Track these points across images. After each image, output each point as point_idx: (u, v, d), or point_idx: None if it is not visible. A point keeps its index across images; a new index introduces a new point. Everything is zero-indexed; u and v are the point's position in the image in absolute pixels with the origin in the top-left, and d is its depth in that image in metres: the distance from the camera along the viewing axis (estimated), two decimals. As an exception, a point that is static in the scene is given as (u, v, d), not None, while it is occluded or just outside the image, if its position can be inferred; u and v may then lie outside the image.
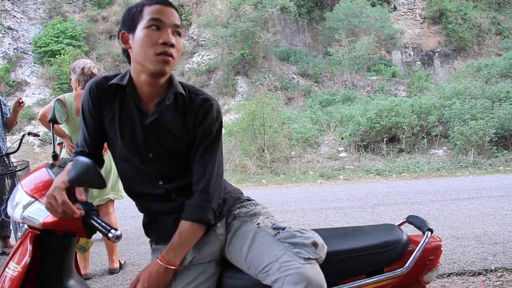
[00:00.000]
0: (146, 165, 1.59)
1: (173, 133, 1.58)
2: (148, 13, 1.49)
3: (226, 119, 17.27)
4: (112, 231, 1.36)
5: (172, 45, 1.48)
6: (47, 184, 1.46)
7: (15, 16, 22.44)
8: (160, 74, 1.49)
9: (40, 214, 1.46)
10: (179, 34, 1.54)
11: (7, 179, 4.57)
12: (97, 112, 1.61)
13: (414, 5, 25.94)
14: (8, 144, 5.14)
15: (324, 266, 1.47)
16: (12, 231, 4.85)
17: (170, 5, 1.52)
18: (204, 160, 1.58)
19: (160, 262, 1.49)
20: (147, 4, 1.51)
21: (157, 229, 1.67)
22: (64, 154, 3.92)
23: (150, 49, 1.47)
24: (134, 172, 1.62)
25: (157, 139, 1.57)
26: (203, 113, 1.59)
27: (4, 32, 21.84)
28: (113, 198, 3.86)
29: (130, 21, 1.53)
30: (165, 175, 1.61)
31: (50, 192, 1.38)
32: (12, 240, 4.90)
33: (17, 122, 5.32)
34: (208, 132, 1.59)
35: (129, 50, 1.54)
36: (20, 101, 4.78)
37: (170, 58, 1.48)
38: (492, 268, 3.58)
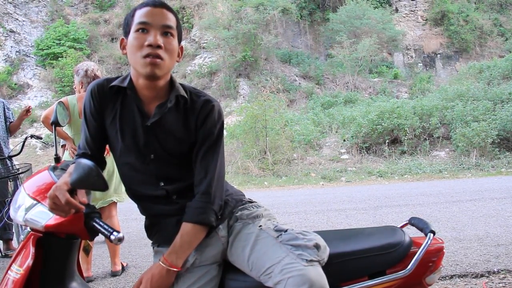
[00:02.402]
0: (147, 166, 1.60)
1: (174, 134, 1.58)
2: (137, 16, 1.50)
3: (228, 121, 17.27)
4: (114, 233, 1.36)
5: (159, 46, 1.47)
6: (49, 187, 1.46)
7: (17, 19, 22.51)
8: (151, 77, 1.49)
9: (43, 216, 1.46)
10: (171, 35, 1.53)
11: (10, 181, 4.58)
12: (98, 114, 1.62)
13: (416, 7, 25.94)
14: (11, 147, 5.16)
15: (326, 268, 1.47)
16: (14, 234, 4.86)
17: (161, 5, 1.52)
18: (206, 161, 1.59)
19: (162, 264, 1.49)
20: (139, 7, 1.53)
21: (159, 231, 1.68)
22: (66, 156, 3.92)
23: (138, 52, 1.48)
24: (135, 173, 1.63)
25: (158, 140, 1.58)
26: (204, 115, 1.59)
27: (6, 35, 21.90)
28: (116, 201, 3.86)
29: (126, 27, 1.56)
30: (166, 176, 1.62)
31: (52, 193, 1.38)
32: (14, 243, 4.91)
33: (19, 127, 5.34)
34: (209, 133, 1.59)
35: (126, 55, 1.55)
36: (29, 110, 4.80)
37: (158, 60, 1.47)
38: (495, 270, 3.57)
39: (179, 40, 1.59)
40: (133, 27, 1.50)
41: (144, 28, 1.48)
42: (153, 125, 1.56)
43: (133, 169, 1.62)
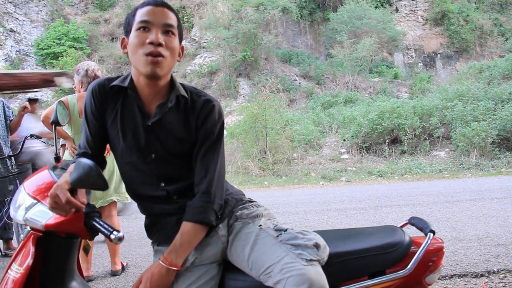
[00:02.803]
0: (148, 166, 1.60)
1: (175, 134, 1.59)
2: (138, 15, 1.51)
3: (228, 121, 17.27)
4: (114, 232, 1.36)
5: (161, 44, 1.47)
6: (49, 186, 1.46)
7: (17, 19, 22.51)
8: (152, 76, 1.49)
9: (43, 216, 1.46)
10: (172, 33, 1.53)
11: (10, 181, 4.58)
12: (99, 113, 1.62)
13: (416, 7, 25.92)
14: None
15: (326, 267, 1.47)
16: (14, 233, 4.86)
17: (163, 4, 1.52)
18: (206, 161, 1.59)
19: (162, 263, 1.49)
20: (140, 7, 1.54)
21: (159, 230, 1.68)
22: (67, 156, 3.92)
23: (139, 50, 1.48)
24: (135, 173, 1.63)
25: (159, 140, 1.58)
26: (205, 115, 1.59)
27: (7, 35, 21.90)
28: (116, 200, 3.86)
29: (127, 26, 1.56)
30: (167, 176, 1.62)
31: (53, 191, 1.39)
32: (14, 242, 4.91)
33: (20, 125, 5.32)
34: (210, 133, 1.59)
35: (127, 54, 1.56)
36: (26, 106, 4.80)
37: (160, 58, 1.47)
38: (495, 269, 3.58)
39: (180, 40, 1.59)
40: (135, 26, 1.51)
41: (145, 26, 1.49)
42: (153, 124, 1.56)
43: (134, 169, 1.62)
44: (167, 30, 1.51)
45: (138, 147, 1.59)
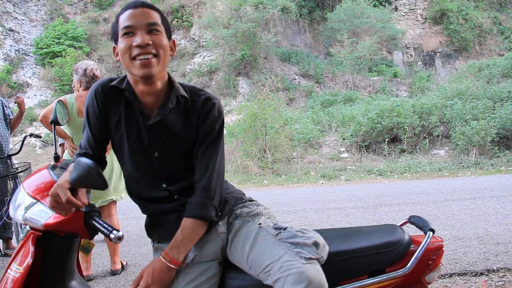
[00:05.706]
0: (152, 166, 1.61)
1: (177, 134, 1.60)
2: (121, 22, 1.52)
3: (228, 120, 17.26)
4: (114, 232, 1.36)
5: (148, 45, 1.47)
6: (49, 186, 1.47)
7: (16, 18, 22.49)
8: (147, 77, 1.49)
9: (42, 215, 1.46)
10: (157, 31, 1.52)
11: (9, 180, 4.57)
12: (102, 115, 1.62)
13: (415, 6, 25.93)
14: (10, 146, 5.15)
15: (326, 266, 1.47)
16: (14, 233, 4.85)
17: (142, 5, 1.52)
18: (206, 158, 1.60)
19: (163, 259, 1.50)
20: (121, 13, 1.54)
21: (159, 228, 1.69)
22: (66, 155, 3.92)
23: (127, 55, 1.48)
24: (139, 174, 1.64)
25: (161, 139, 1.59)
26: (205, 112, 1.60)
27: (6, 34, 21.88)
28: (115, 199, 3.86)
29: (114, 35, 1.57)
30: (169, 176, 1.63)
31: (53, 191, 1.39)
32: (14, 242, 4.90)
33: (21, 120, 5.30)
34: (210, 130, 1.60)
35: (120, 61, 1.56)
36: (19, 98, 4.76)
37: (152, 59, 1.47)
38: (494, 268, 3.58)
39: (168, 35, 1.59)
40: (120, 33, 1.51)
41: (129, 31, 1.49)
42: (155, 124, 1.57)
43: (137, 169, 1.63)
44: (151, 29, 1.50)
45: (142, 147, 1.60)
